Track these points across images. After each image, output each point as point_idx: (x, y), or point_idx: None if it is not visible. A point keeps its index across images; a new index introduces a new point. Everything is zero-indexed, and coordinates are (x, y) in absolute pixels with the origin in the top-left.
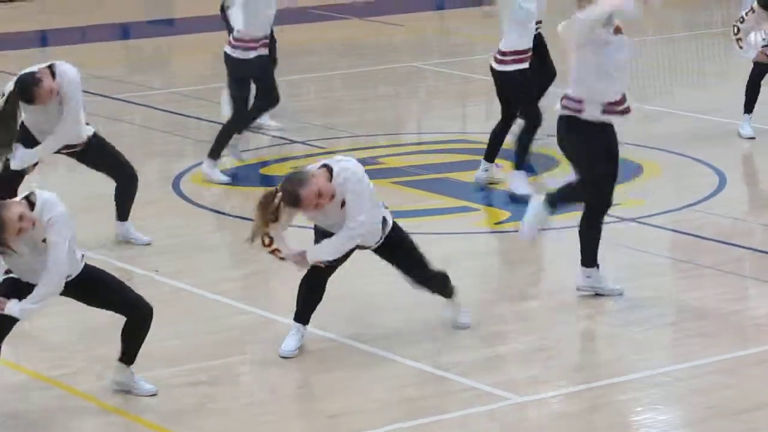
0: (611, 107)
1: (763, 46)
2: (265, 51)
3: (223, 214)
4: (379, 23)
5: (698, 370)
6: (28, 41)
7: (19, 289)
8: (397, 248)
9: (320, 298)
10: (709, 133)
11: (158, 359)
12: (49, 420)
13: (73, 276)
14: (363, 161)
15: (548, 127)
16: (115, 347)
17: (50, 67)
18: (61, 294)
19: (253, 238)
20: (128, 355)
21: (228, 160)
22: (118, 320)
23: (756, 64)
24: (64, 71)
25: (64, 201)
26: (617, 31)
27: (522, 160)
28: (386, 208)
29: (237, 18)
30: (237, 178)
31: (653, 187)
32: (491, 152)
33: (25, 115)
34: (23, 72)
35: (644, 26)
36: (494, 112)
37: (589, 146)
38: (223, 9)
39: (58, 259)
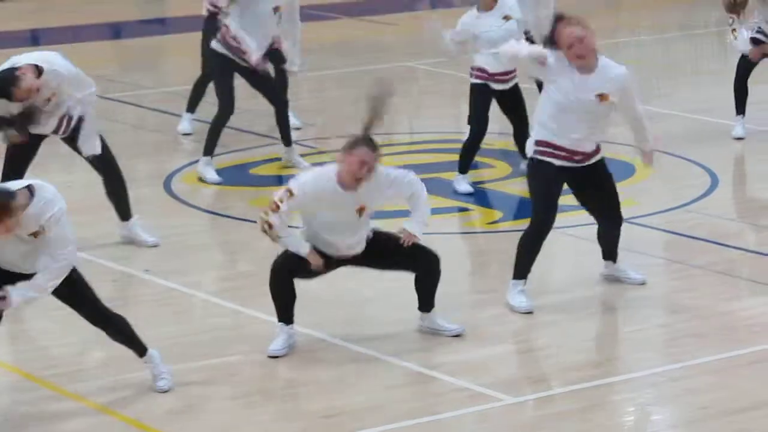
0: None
1: (751, 38)
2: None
3: (215, 213)
4: (372, 23)
5: (691, 371)
6: (20, 40)
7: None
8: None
9: (293, 295)
10: (702, 134)
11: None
12: (40, 421)
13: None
14: None
15: None
16: (107, 348)
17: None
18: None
19: None
20: (138, 347)
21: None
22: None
23: (740, 64)
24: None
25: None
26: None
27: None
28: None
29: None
30: (228, 178)
31: (646, 187)
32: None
33: None
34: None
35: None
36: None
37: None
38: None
39: (65, 252)
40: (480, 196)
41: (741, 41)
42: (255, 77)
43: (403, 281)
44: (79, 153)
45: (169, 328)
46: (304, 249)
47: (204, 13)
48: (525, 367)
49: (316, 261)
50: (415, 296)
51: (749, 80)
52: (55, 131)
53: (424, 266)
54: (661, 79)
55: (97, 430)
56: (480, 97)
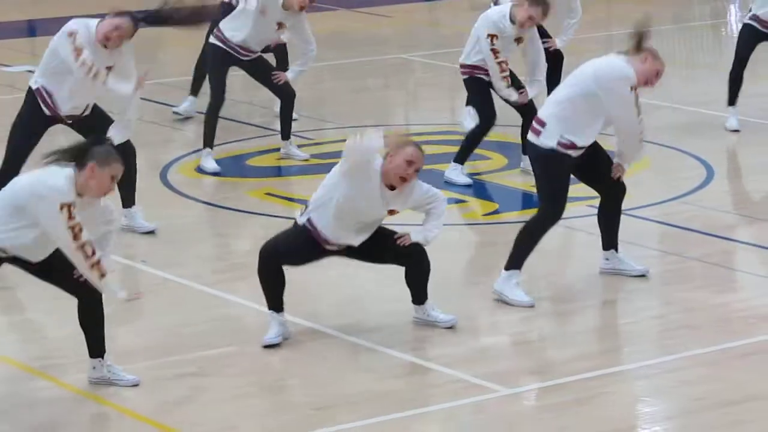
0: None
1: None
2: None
3: (211, 204)
4: (368, 14)
5: (685, 362)
6: (17, 31)
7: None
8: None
9: (282, 282)
10: (697, 126)
11: (145, 350)
12: (37, 411)
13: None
14: None
15: None
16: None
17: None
18: (22, 267)
19: None
20: (96, 346)
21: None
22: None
23: (738, 53)
24: None
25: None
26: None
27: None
28: None
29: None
30: (224, 169)
31: (641, 179)
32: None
33: None
34: None
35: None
36: None
37: None
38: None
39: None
40: (477, 187)
41: None
42: (258, 71)
43: (398, 272)
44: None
45: (164, 318)
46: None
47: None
48: (520, 358)
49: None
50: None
51: (745, 72)
52: (81, 112)
53: (411, 260)
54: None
55: (93, 421)
56: (478, 88)
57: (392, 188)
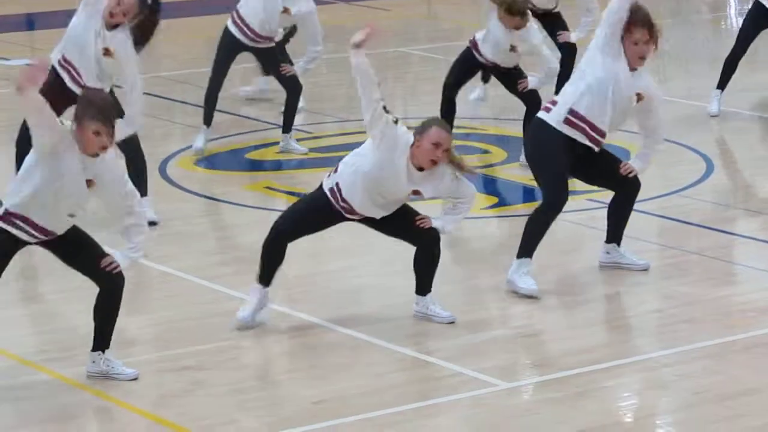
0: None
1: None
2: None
3: (210, 198)
4: (366, 8)
5: (685, 356)
6: (15, 24)
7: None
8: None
9: (282, 260)
10: (696, 120)
11: (145, 343)
12: (35, 404)
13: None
14: (349, 146)
15: None
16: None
17: None
18: (48, 249)
19: None
20: (102, 339)
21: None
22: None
23: (740, 38)
24: None
25: None
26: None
27: None
28: None
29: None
30: (223, 163)
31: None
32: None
33: None
34: None
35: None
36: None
37: None
38: None
39: (144, 213)
40: (475, 181)
41: None
42: (269, 60)
43: (398, 266)
44: None
45: (162, 312)
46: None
47: None
48: (520, 352)
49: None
50: (410, 282)
51: (743, 63)
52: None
53: (423, 242)
54: (654, 65)
55: (93, 415)
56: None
57: (421, 169)
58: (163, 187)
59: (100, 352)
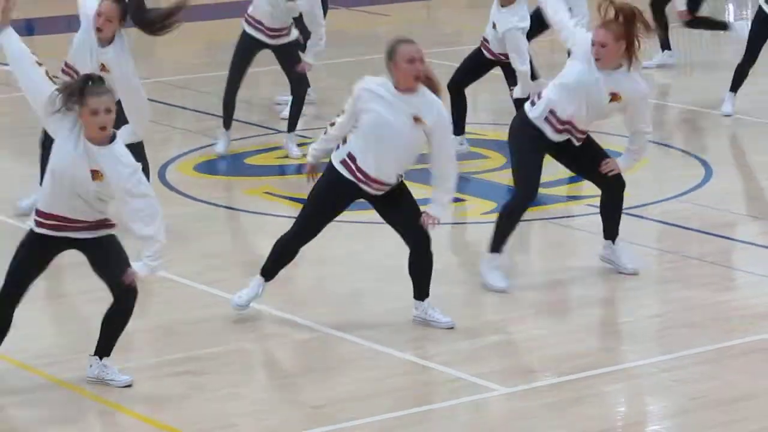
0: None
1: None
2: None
3: (209, 203)
4: (366, 13)
5: (684, 361)
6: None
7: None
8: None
9: (291, 261)
10: (696, 124)
11: (144, 348)
12: (32, 409)
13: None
14: None
15: None
16: (91, 338)
17: None
18: (81, 250)
19: None
20: (105, 347)
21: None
22: (100, 311)
23: (747, 49)
24: None
25: None
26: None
27: None
28: None
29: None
30: (223, 168)
31: (639, 177)
32: None
33: None
34: None
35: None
36: (481, 102)
37: None
38: None
39: (157, 208)
40: (474, 186)
41: None
42: (284, 57)
43: (396, 271)
44: None
45: (161, 317)
46: (311, 156)
47: None
48: (518, 357)
49: (309, 169)
50: (409, 286)
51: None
52: None
53: (415, 239)
54: (653, 70)
55: (91, 419)
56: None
57: (408, 91)
58: (163, 192)
59: (97, 357)
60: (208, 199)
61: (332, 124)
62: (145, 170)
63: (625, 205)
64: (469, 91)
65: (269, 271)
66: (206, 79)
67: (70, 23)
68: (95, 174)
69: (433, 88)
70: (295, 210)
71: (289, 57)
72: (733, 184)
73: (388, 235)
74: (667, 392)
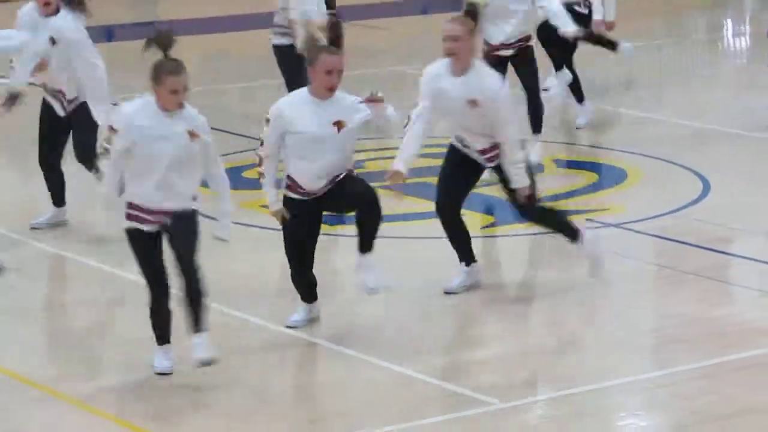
0: None
1: None
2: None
3: (206, 216)
4: (365, 27)
5: (681, 376)
6: None
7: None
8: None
9: (314, 284)
10: (693, 139)
11: (146, 362)
12: (33, 422)
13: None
14: None
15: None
16: (96, 351)
17: None
18: (164, 230)
19: None
20: (198, 320)
21: None
22: (96, 325)
23: None
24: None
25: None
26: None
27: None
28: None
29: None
30: None
31: (637, 192)
32: None
33: None
34: None
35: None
36: None
37: None
38: None
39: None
40: (473, 200)
41: None
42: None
43: (394, 283)
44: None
45: None
46: (272, 205)
47: None
48: (516, 371)
49: (279, 216)
50: (406, 300)
51: (742, 85)
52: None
53: (365, 203)
54: (652, 85)
55: None
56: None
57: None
58: None
59: (199, 333)
60: (204, 213)
61: (260, 164)
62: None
63: (621, 219)
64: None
65: (304, 297)
66: (203, 92)
67: None
68: (192, 135)
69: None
70: None
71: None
72: (731, 198)
73: (383, 246)
74: (666, 407)
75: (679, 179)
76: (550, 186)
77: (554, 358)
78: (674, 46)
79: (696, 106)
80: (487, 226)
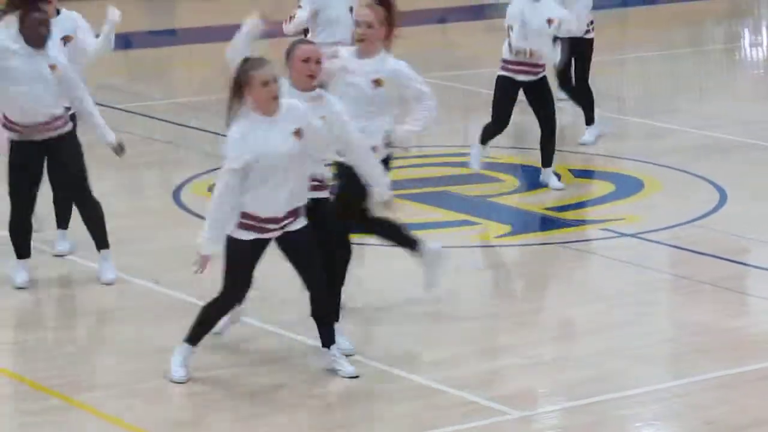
0: None
1: None
2: None
3: None
4: None
5: (697, 386)
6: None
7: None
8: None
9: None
10: (710, 149)
11: (155, 369)
12: (47, 430)
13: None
14: None
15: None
16: (106, 359)
17: None
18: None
19: None
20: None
21: None
22: (108, 335)
23: None
24: None
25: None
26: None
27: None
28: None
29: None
30: None
31: (653, 202)
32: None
33: None
34: None
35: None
36: None
37: None
38: None
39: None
40: (488, 209)
41: None
42: None
43: (406, 293)
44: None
45: (174, 338)
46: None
47: None
48: (532, 381)
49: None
50: (422, 309)
51: (760, 96)
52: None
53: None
54: (669, 95)
55: None
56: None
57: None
58: (177, 214)
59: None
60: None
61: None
62: (93, 208)
63: (638, 229)
64: (485, 113)
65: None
66: (221, 101)
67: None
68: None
69: None
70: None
71: None
72: (748, 209)
73: (393, 258)
74: (681, 417)
75: (696, 189)
76: (566, 195)
77: (569, 367)
78: (692, 56)
79: (713, 116)
80: (502, 235)
